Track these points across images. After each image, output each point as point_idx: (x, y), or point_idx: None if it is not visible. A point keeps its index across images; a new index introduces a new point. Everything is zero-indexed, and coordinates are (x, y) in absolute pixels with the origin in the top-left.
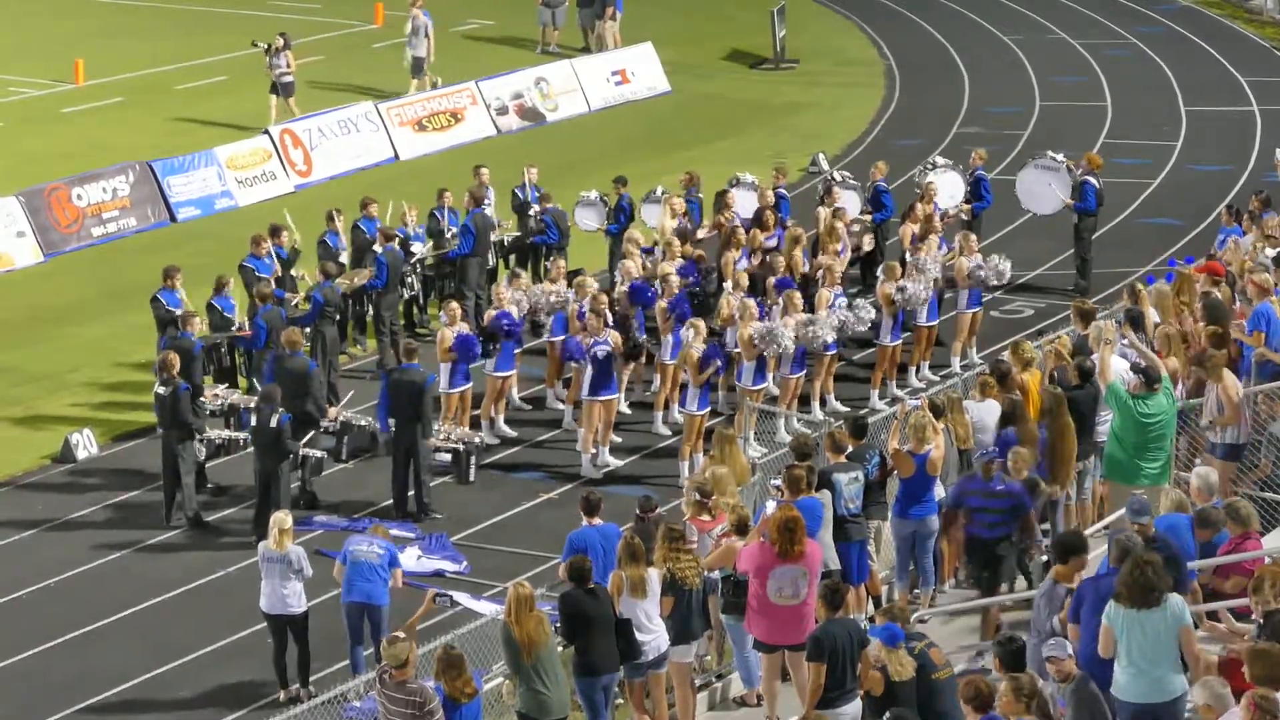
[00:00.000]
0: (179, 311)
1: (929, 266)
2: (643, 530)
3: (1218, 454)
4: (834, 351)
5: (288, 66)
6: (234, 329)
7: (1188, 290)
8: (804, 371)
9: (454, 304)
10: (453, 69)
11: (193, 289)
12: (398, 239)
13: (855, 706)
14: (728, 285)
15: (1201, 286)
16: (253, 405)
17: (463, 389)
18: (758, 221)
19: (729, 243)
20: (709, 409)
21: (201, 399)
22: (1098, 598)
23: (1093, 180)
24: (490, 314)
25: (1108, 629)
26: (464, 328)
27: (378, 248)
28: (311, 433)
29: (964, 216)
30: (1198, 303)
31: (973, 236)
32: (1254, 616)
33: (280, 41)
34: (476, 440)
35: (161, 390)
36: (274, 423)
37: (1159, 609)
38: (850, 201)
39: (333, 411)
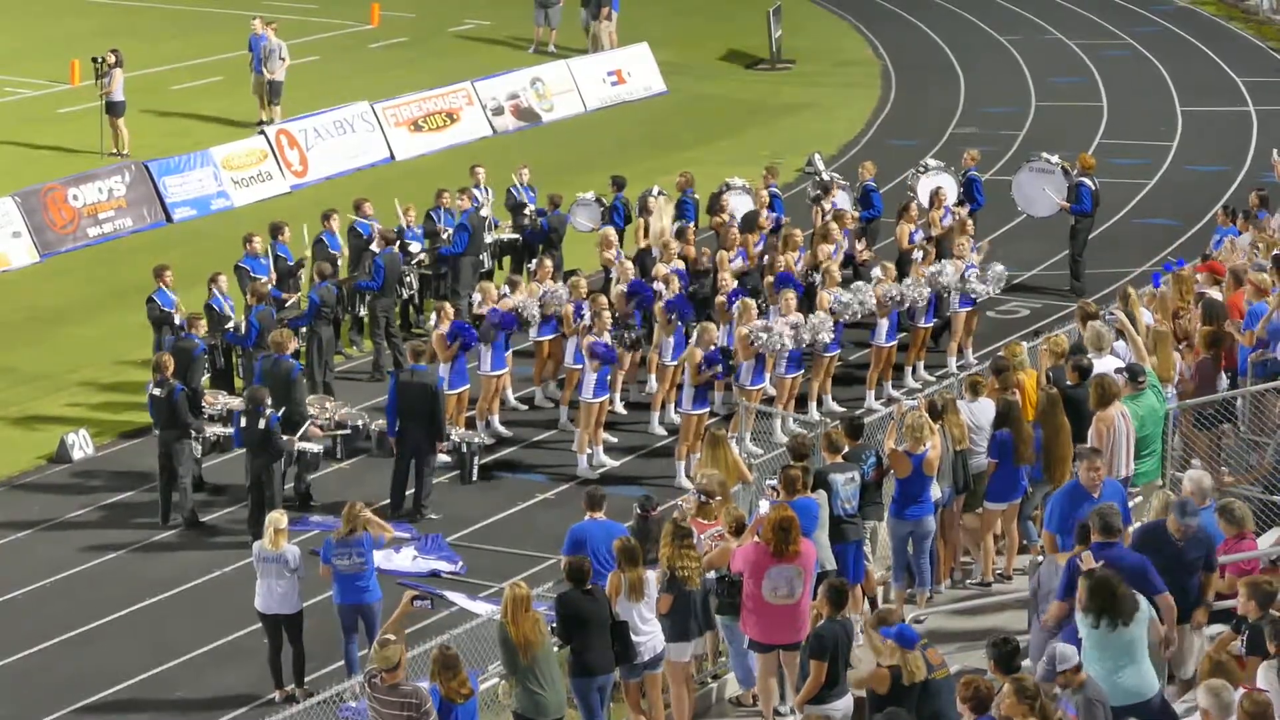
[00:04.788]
0: (172, 311)
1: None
2: (643, 530)
3: None
4: (834, 353)
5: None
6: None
7: (1186, 291)
8: (801, 371)
9: (446, 304)
10: (449, 69)
11: (189, 290)
12: (396, 241)
13: (847, 703)
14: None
15: (1200, 286)
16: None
17: (460, 390)
18: (750, 224)
19: (724, 244)
20: (707, 409)
21: (202, 404)
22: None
23: (1087, 182)
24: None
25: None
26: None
27: (375, 247)
28: (305, 428)
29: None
30: (1195, 304)
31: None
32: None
33: (113, 59)
34: (476, 440)
35: (157, 391)
36: (261, 424)
37: (1136, 616)
38: (841, 202)
39: (328, 408)
